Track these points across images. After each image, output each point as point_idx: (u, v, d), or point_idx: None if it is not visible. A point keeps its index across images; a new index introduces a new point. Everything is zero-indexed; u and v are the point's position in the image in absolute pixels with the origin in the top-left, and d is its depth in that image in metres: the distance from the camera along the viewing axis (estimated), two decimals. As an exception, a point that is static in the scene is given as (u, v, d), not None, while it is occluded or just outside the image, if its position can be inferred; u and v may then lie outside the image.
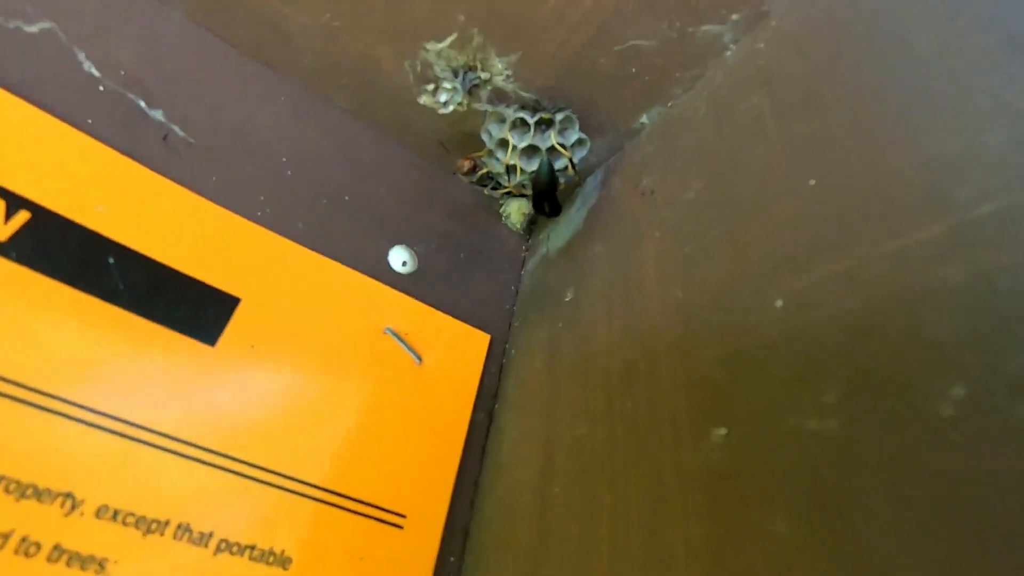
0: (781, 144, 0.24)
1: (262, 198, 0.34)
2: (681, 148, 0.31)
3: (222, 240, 0.31)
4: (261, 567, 0.25)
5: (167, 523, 0.24)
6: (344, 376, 0.32)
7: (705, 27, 0.31)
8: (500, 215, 0.44)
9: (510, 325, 0.40)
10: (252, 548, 0.25)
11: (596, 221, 0.36)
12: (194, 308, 0.29)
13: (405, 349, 0.34)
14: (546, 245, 0.42)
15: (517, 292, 0.42)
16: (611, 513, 0.22)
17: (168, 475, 0.25)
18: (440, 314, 0.37)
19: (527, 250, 0.45)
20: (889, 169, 0.18)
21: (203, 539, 0.24)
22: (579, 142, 0.36)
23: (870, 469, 0.15)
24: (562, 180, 0.36)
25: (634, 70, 0.33)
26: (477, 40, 0.34)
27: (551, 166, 0.34)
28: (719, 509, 0.18)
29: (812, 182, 0.21)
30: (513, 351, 0.38)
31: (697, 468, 0.20)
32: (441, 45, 0.34)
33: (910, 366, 0.15)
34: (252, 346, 0.30)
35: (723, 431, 0.19)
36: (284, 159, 0.36)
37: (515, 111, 0.35)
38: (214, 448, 0.26)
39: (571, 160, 0.35)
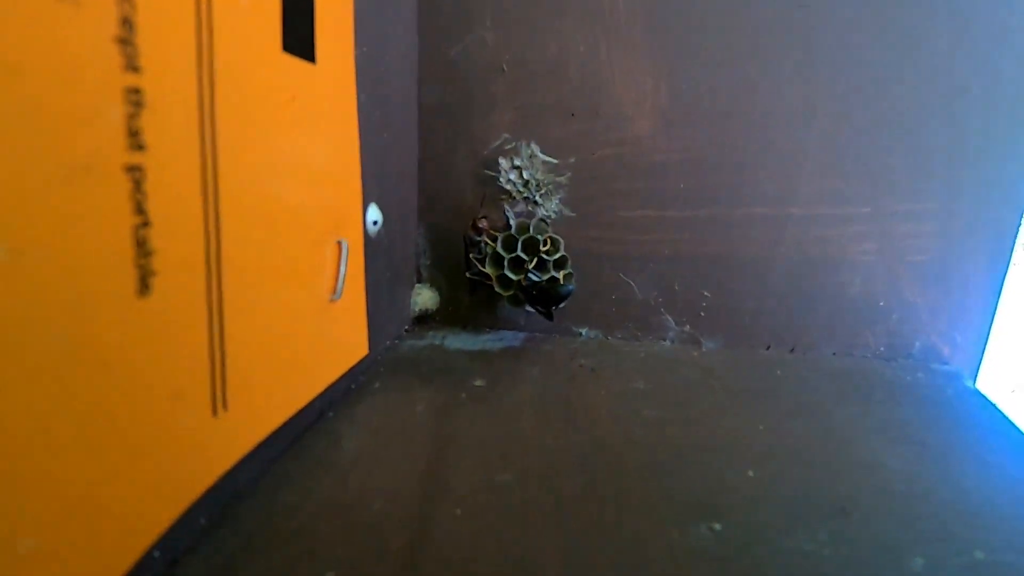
0: (725, 392, 0.33)
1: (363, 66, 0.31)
2: (623, 363, 0.38)
3: (336, 52, 0.27)
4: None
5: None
6: (297, 215, 0.24)
7: (666, 316, 0.42)
8: (416, 295, 0.43)
9: (369, 364, 0.35)
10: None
11: (520, 356, 0.38)
12: (301, 22, 0.22)
13: (340, 273, 0.28)
14: (440, 340, 0.41)
15: (387, 348, 0.38)
16: (562, 563, 0.19)
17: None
18: (362, 293, 0.32)
19: (408, 330, 0.42)
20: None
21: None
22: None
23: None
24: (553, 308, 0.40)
25: (613, 297, 0.43)
26: (562, 180, 0.41)
27: (570, 291, 0.39)
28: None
29: (761, 427, 0.29)
30: (376, 384, 0.32)
31: (686, 547, 0.20)
32: (540, 155, 0.41)
33: (881, 537, 0.21)
34: (293, 97, 0.22)
35: (716, 526, 0.21)
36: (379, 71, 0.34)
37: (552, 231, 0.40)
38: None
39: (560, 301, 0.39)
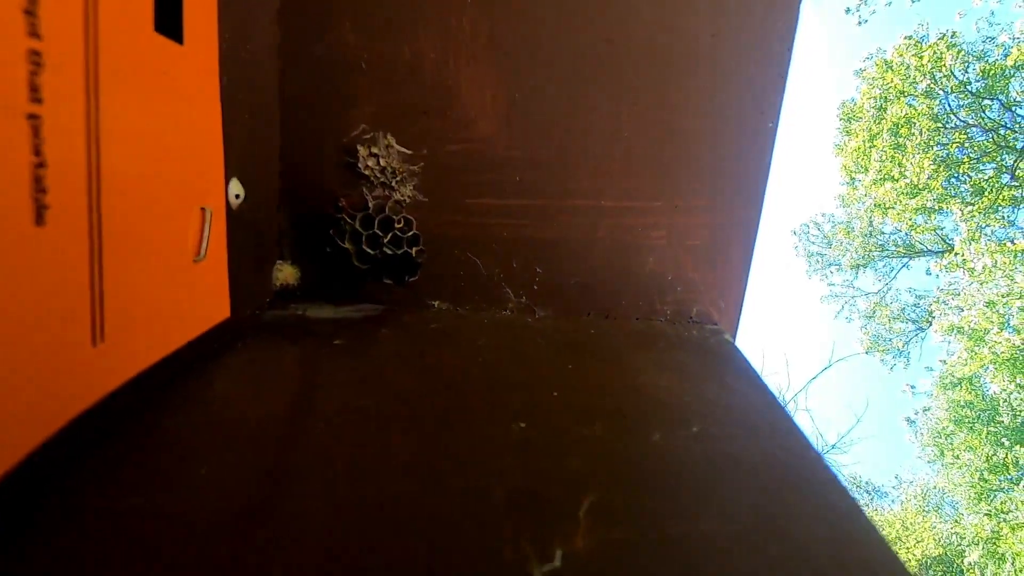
0: (549, 346, 0.40)
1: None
2: (470, 327, 0.45)
3: (201, 36, 0.30)
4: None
5: None
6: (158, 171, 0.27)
7: (506, 289, 0.50)
8: (277, 270, 0.46)
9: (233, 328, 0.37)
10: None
11: (379, 323, 0.43)
12: (171, 5, 0.25)
13: (203, 236, 0.30)
14: (301, 311, 0.44)
15: (250, 317, 0.40)
16: (410, 455, 0.25)
17: None
18: (223, 259, 0.34)
19: (269, 301, 0.44)
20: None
21: None
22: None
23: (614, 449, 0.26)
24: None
25: (461, 273, 0.49)
26: (416, 169, 0.47)
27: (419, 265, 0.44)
28: (521, 454, 0.25)
29: (570, 366, 0.37)
30: (240, 344, 0.35)
31: (501, 439, 0.27)
32: (396, 146, 0.46)
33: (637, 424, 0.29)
34: (164, 73, 0.25)
35: (523, 424, 0.28)
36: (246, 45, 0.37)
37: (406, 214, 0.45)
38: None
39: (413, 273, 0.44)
